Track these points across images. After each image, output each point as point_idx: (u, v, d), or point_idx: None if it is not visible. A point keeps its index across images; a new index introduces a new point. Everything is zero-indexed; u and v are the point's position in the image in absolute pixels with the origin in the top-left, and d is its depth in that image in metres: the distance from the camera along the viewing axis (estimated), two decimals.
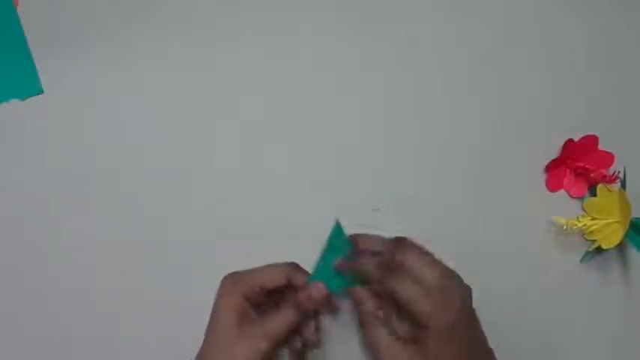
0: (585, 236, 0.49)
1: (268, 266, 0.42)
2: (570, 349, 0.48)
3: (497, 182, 0.50)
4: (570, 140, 0.49)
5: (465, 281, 0.40)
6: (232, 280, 0.41)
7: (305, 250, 0.43)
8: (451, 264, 0.40)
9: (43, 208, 0.48)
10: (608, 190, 0.49)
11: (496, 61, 0.51)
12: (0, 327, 0.46)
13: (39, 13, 0.50)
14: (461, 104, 0.51)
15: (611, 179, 0.49)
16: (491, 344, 0.40)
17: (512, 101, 0.51)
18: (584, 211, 0.50)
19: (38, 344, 0.46)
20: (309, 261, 0.43)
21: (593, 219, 0.49)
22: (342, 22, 0.51)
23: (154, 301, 0.46)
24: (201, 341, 0.40)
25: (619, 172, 0.48)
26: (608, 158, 0.50)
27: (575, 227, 0.48)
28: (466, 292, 0.39)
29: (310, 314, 0.41)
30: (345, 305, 0.46)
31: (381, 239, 0.43)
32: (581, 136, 0.50)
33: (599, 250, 0.48)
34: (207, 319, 0.41)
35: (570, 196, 0.50)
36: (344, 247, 0.43)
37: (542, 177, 0.50)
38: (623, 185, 0.48)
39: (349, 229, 0.44)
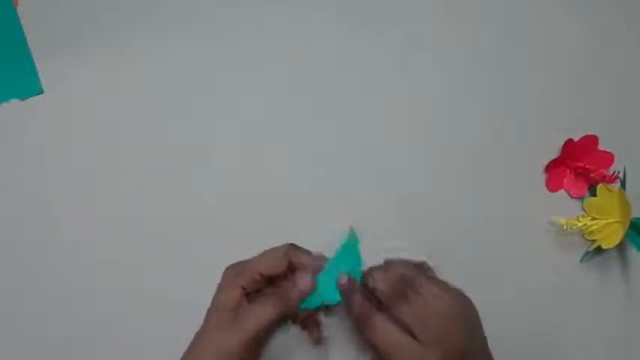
0: (585, 236, 0.49)
1: (269, 252, 0.42)
2: (570, 349, 0.48)
3: (497, 182, 0.50)
4: (570, 140, 0.49)
5: (465, 281, 0.40)
6: (234, 272, 0.42)
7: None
8: (451, 264, 0.39)
9: (43, 208, 0.48)
10: (608, 190, 0.48)
11: (496, 61, 0.51)
12: (0, 327, 0.46)
13: (39, 13, 0.50)
14: (461, 104, 0.51)
15: (611, 179, 0.49)
16: (491, 344, 0.40)
17: (512, 101, 0.51)
18: (584, 211, 0.50)
19: (38, 344, 0.46)
20: None
21: (593, 219, 0.49)
22: (342, 22, 0.51)
23: (154, 301, 0.46)
24: None
25: (619, 172, 0.48)
26: (608, 158, 0.50)
27: (575, 227, 0.48)
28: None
29: (295, 305, 0.41)
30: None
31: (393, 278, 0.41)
32: (581, 136, 0.50)
33: (599, 250, 0.48)
34: None
35: (570, 196, 0.50)
36: (355, 262, 0.43)
37: (542, 177, 0.50)
38: (623, 185, 0.48)
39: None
